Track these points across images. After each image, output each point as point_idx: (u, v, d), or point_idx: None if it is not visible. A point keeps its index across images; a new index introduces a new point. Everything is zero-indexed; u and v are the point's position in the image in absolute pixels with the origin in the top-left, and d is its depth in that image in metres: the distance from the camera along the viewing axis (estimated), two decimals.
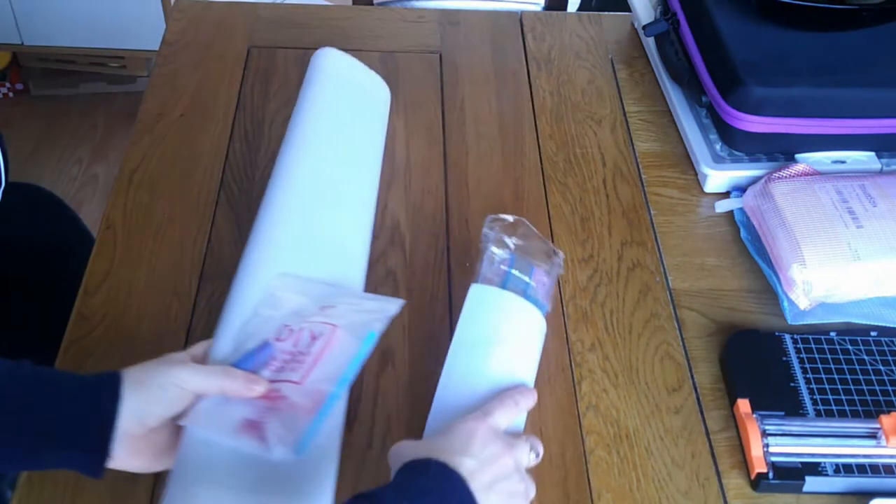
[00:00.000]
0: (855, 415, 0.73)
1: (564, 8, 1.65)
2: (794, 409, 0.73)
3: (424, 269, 0.83)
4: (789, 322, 0.80)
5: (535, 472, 0.68)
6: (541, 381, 0.75)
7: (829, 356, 0.77)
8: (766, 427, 0.71)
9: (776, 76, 0.88)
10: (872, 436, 0.70)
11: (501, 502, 0.58)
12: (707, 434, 0.73)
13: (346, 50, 0.94)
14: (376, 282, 0.81)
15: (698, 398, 0.76)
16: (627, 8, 1.12)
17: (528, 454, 0.63)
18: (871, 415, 0.73)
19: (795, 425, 0.71)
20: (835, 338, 0.79)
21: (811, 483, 0.69)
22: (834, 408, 0.73)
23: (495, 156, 0.95)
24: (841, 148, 0.92)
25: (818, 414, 0.73)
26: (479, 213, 0.85)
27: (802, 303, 0.79)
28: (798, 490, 0.69)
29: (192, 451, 0.62)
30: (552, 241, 0.86)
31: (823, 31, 0.94)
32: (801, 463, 0.70)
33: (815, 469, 0.69)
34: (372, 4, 1.58)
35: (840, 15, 0.96)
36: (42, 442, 0.58)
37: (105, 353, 0.75)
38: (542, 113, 1.01)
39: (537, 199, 0.91)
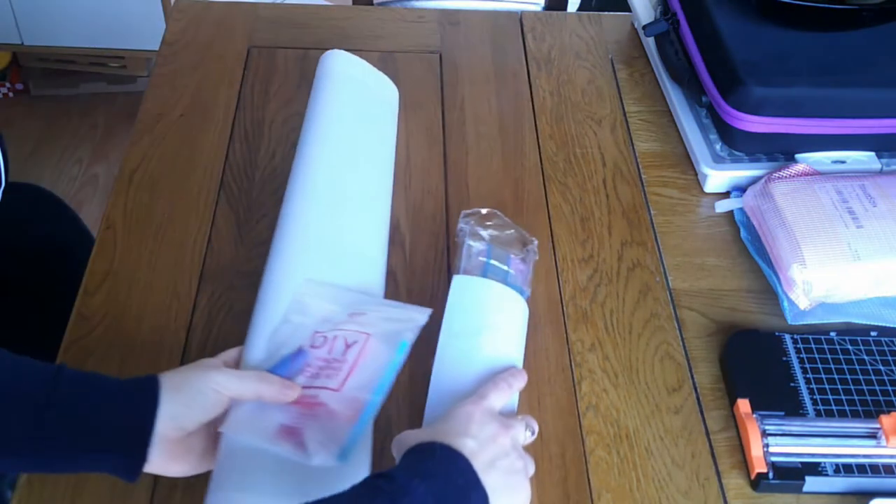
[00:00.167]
0: (855, 415, 0.73)
1: (564, 8, 1.65)
2: (794, 409, 0.73)
3: (424, 269, 0.83)
4: (789, 322, 0.80)
5: (535, 473, 0.68)
6: (541, 381, 0.75)
7: (829, 356, 0.77)
8: (766, 427, 0.71)
9: (776, 76, 0.88)
10: (872, 436, 0.70)
11: (502, 479, 0.60)
12: (707, 434, 0.73)
13: (346, 50, 0.94)
14: None
15: (698, 398, 0.76)
16: (627, 8, 1.12)
17: (525, 432, 0.65)
18: (871, 415, 0.73)
19: (795, 425, 0.71)
20: (835, 338, 0.79)
21: (811, 483, 0.69)
22: (834, 408, 0.73)
23: (495, 156, 0.95)
24: (841, 148, 0.92)
25: (818, 414, 0.73)
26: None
27: (802, 303, 0.79)
28: (798, 490, 0.70)
29: (232, 458, 0.63)
30: (552, 241, 0.87)
31: (823, 31, 0.94)
32: (801, 463, 0.70)
33: (815, 469, 0.69)
34: (372, 4, 1.58)
35: (840, 15, 0.96)
36: (79, 445, 0.59)
37: (105, 353, 0.75)
38: (542, 113, 1.01)
39: (537, 199, 0.91)
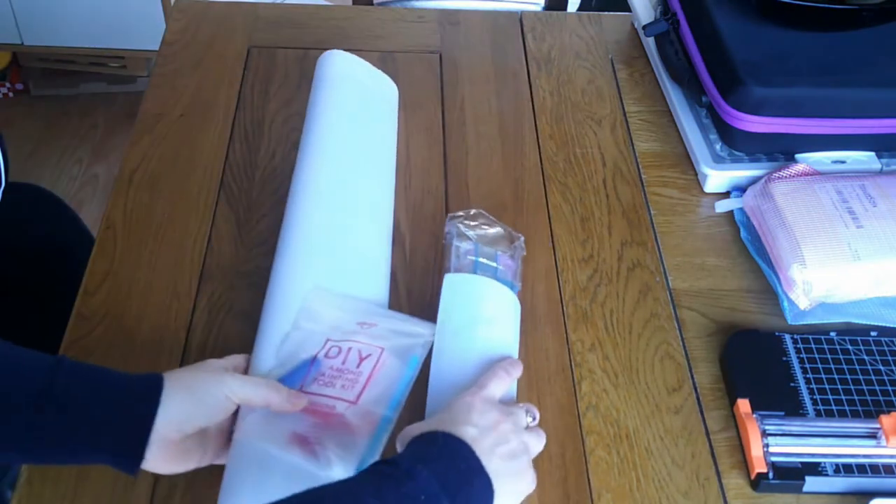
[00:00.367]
0: (855, 415, 0.73)
1: (564, 8, 1.65)
2: (794, 409, 0.73)
3: (424, 269, 0.83)
4: (789, 322, 0.80)
5: (536, 472, 0.68)
6: (541, 380, 0.75)
7: (829, 356, 0.77)
8: (766, 427, 0.71)
9: (776, 76, 0.88)
10: (872, 436, 0.70)
11: (504, 464, 0.61)
12: (707, 434, 0.73)
13: (346, 50, 0.94)
14: None
15: (698, 398, 0.76)
16: (627, 8, 1.12)
17: (525, 417, 0.66)
18: (871, 415, 0.73)
19: (795, 425, 0.71)
20: (835, 338, 0.79)
21: (811, 483, 0.69)
22: (834, 408, 0.73)
23: (495, 156, 0.95)
24: (841, 148, 0.92)
25: (818, 414, 0.73)
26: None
27: (802, 303, 0.79)
28: (798, 490, 0.69)
29: (242, 466, 0.63)
30: (552, 241, 0.87)
31: (823, 31, 0.94)
32: (801, 463, 0.70)
33: (815, 469, 0.69)
34: (372, 4, 1.58)
35: (840, 15, 0.96)
36: (76, 440, 0.59)
37: (105, 353, 0.75)
38: (542, 113, 1.01)
39: (537, 199, 0.91)
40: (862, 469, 0.70)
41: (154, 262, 0.82)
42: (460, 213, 0.85)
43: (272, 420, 0.65)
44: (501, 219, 0.86)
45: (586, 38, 1.12)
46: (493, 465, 0.60)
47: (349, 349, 0.70)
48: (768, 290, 0.84)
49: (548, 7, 1.61)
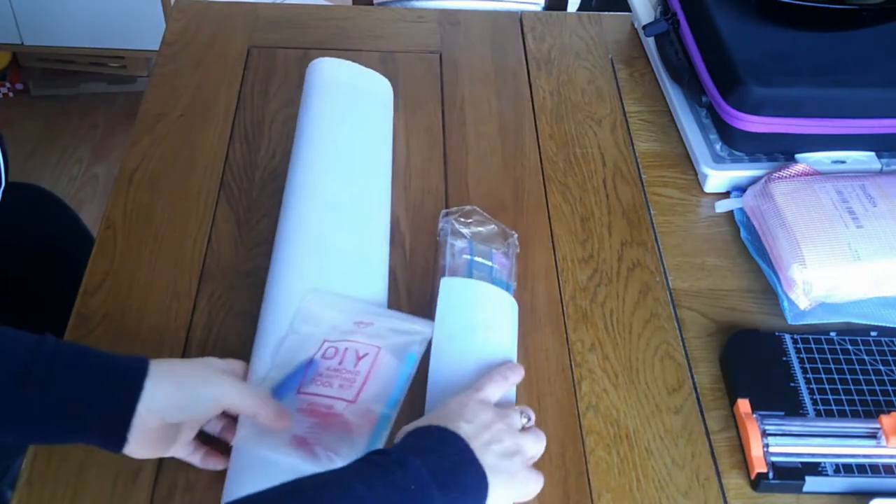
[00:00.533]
0: (855, 415, 0.73)
1: (564, 8, 1.65)
2: (794, 409, 0.73)
3: (424, 269, 0.83)
4: (789, 322, 0.80)
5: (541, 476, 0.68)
6: (541, 380, 0.75)
7: (829, 356, 0.77)
8: (766, 427, 0.71)
9: (776, 76, 0.88)
10: (872, 436, 0.70)
11: (498, 461, 0.61)
12: (707, 434, 0.73)
13: (346, 50, 0.94)
14: None
15: (698, 398, 0.76)
16: (627, 8, 1.12)
17: (520, 419, 0.66)
18: (871, 415, 0.73)
19: (795, 425, 0.71)
20: (835, 338, 0.79)
21: (811, 483, 0.69)
22: (834, 408, 0.73)
23: (495, 156, 0.95)
24: (841, 148, 0.92)
25: (818, 414, 0.73)
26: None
27: (802, 303, 0.79)
28: (798, 490, 0.69)
29: (247, 469, 0.63)
30: (552, 241, 0.87)
31: (823, 31, 0.94)
32: (801, 463, 0.70)
33: (815, 469, 0.69)
34: (372, 4, 1.58)
35: (840, 15, 0.96)
36: (58, 420, 0.59)
37: None
38: (542, 113, 1.01)
39: (537, 199, 0.91)
40: (862, 469, 0.70)
41: (154, 262, 0.82)
42: (454, 210, 0.85)
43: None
44: (501, 218, 0.86)
45: (586, 38, 1.12)
46: (488, 460, 0.60)
47: (346, 349, 0.70)
48: (768, 290, 0.84)
49: (548, 7, 1.61)
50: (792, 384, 0.75)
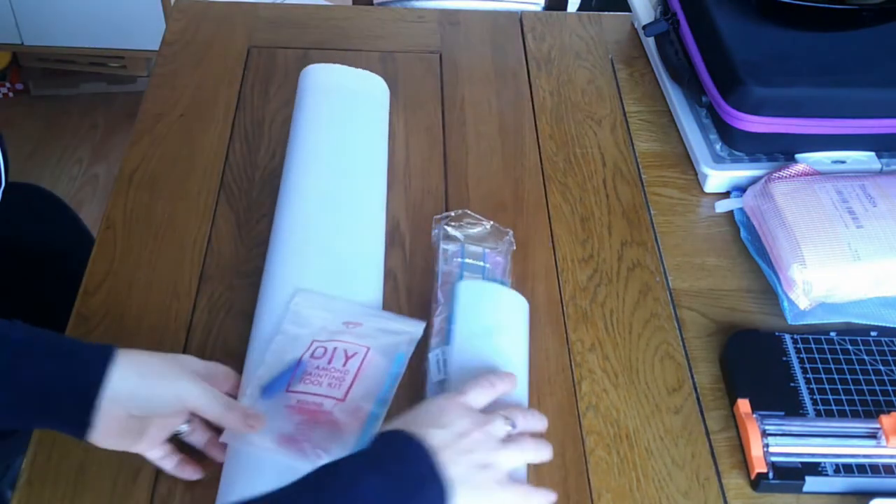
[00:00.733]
0: (855, 415, 0.73)
1: (564, 8, 1.65)
2: (794, 409, 0.73)
3: (425, 269, 0.83)
4: (789, 322, 0.80)
5: (536, 473, 0.68)
6: (541, 380, 0.75)
7: (829, 356, 0.77)
8: (766, 427, 0.71)
9: (776, 76, 0.88)
10: (872, 436, 0.70)
11: (472, 473, 0.58)
12: (707, 434, 0.73)
13: (346, 50, 0.94)
14: None
15: (698, 398, 0.76)
16: (627, 8, 1.12)
17: (503, 426, 0.63)
18: (871, 415, 0.73)
19: (795, 425, 0.71)
20: (835, 338, 0.79)
21: (811, 483, 0.69)
22: (834, 408, 0.73)
23: (495, 156, 0.95)
24: (841, 148, 0.92)
25: (818, 414, 0.73)
26: (480, 213, 0.85)
27: (802, 303, 0.79)
28: (798, 490, 0.69)
29: (239, 467, 0.64)
30: (552, 241, 0.87)
31: (823, 31, 0.94)
32: (801, 463, 0.70)
33: (815, 469, 0.69)
34: (372, 4, 1.58)
35: (840, 15, 0.96)
36: (24, 405, 0.59)
37: None
38: (542, 113, 1.01)
39: (537, 199, 0.91)
40: (862, 469, 0.70)
41: (154, 262, 0.82)
42: (444, 216, 0.85)
43: None
44: (501, 218, 0.86)
45: (586, 38, 1.12)
46: (457, 471, 0.57)
47: (335, 349, 0.70)
48: (768, 290, 0.84)
49: (548, 7, 1.61)
50: (792, 384, 0.75)
